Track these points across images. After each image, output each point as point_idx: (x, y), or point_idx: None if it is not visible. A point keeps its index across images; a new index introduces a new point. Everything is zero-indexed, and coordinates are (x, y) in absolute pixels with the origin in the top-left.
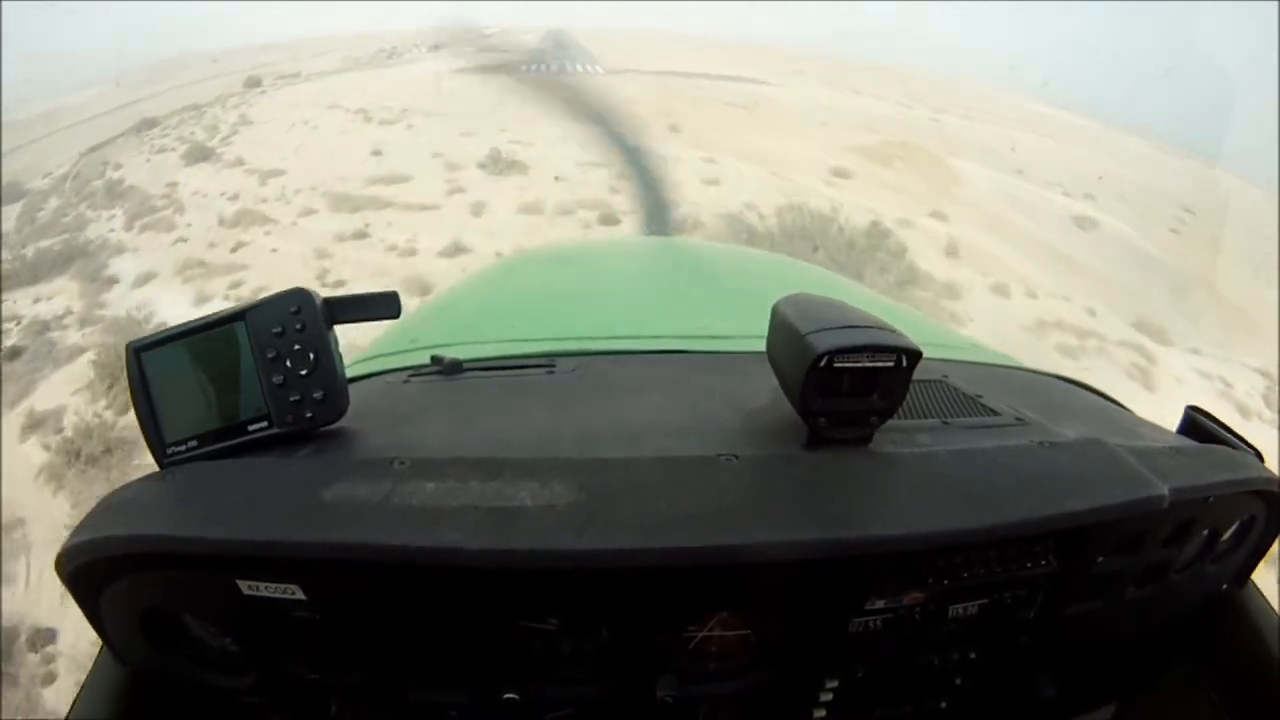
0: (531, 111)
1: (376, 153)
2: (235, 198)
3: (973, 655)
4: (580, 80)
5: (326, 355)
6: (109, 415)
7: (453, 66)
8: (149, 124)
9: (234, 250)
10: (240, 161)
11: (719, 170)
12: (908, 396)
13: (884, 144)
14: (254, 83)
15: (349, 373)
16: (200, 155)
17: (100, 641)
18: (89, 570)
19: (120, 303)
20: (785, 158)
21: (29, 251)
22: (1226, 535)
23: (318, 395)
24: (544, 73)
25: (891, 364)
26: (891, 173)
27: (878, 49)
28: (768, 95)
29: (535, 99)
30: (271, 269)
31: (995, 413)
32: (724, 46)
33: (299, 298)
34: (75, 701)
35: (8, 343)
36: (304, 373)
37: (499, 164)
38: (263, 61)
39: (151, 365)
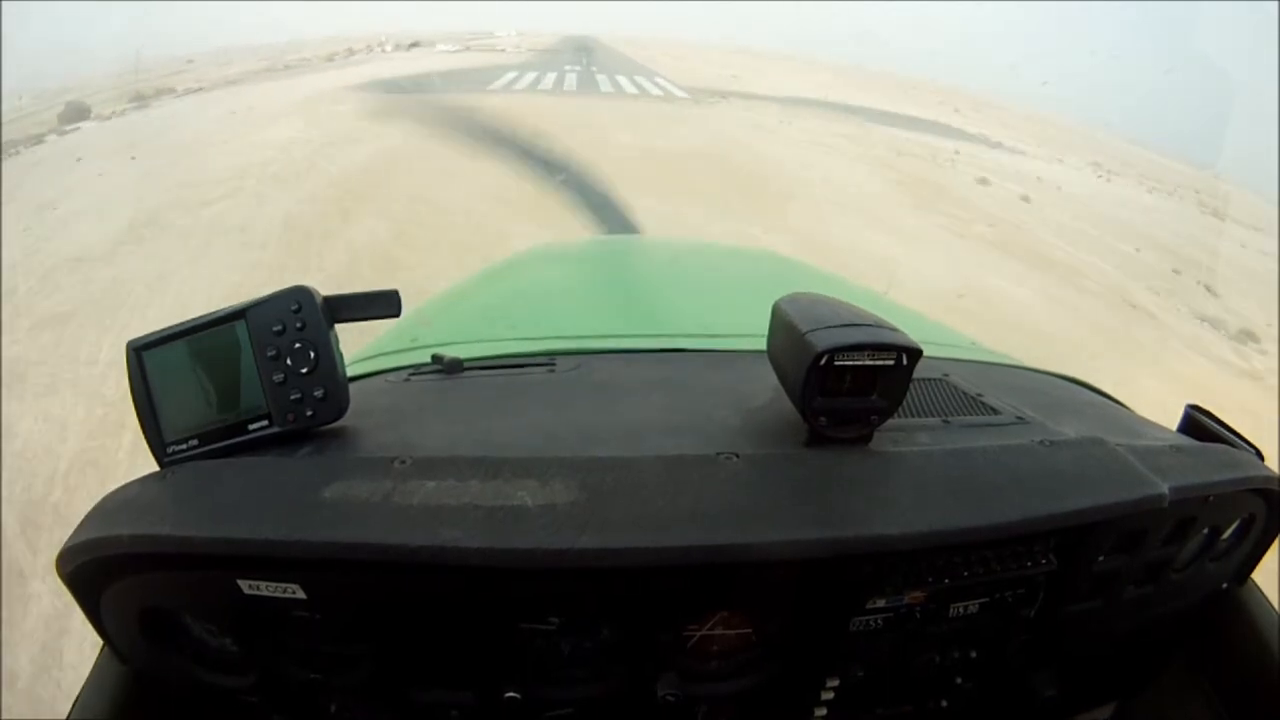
0: None
1: None
2: None
3: (973, 654)
4: (631, 109)
5: (327, 354)
6: None
7: (369, 79)
8: None
9: None
10: None
11: None
12: (908, 395)
13: None
14: (75, 115)
15: (349, 371)
16: None
17: (101, 641)
18: (89, 570)
19: None
20: None
21: None
22: (1226, 534)
23: (318, 394)
24: (537, 87)
25: (892, 362)
26: None
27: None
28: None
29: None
30: None
31: (996, 411)
32: (758, 55)
33: (300, 296)
34: (76, 701)
35: None
36: (305, 371)
37: None
38: (183, 71)
39: (152, 364)
